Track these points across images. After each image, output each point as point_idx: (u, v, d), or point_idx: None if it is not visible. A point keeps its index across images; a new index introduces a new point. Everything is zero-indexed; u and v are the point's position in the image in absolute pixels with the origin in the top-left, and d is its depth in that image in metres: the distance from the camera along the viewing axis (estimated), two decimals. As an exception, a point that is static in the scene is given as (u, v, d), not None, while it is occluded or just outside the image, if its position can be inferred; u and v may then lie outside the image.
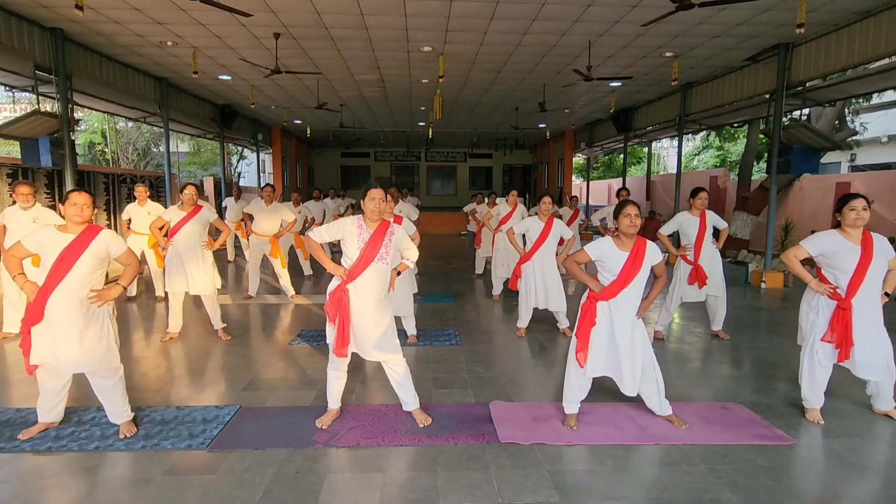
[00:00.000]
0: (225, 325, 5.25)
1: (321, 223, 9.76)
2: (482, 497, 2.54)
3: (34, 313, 2.91)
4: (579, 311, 3.26)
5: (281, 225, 6.81)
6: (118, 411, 3.14)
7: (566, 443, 3.06)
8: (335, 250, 11.39)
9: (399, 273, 3.40)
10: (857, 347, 3.19)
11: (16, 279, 2.97)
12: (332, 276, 3.17)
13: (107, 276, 3.21)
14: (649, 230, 9.86)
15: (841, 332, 3.19)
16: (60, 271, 2.89)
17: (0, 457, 2.88)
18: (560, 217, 8.84)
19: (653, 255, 3.13)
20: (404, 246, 3.31)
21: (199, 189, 5.11)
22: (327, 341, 3.22)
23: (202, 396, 3.76)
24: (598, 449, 3.01)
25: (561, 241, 5.36)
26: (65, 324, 2.91)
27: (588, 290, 3.24)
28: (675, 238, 5.34)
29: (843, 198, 3.23)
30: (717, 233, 5.16)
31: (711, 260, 5.03)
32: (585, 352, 3.16)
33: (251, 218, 6.83)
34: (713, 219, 5.07)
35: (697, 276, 4.95)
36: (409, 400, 3.34)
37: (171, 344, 4.99)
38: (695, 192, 5.02)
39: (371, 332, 3.12)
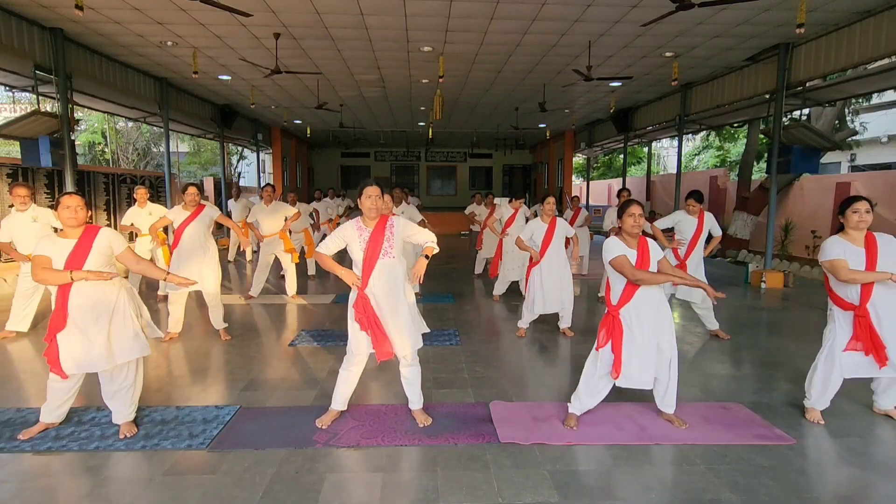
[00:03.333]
0: (226, 325, 5.25)
1: (329, 220, 9.87)
2: (482, 497, 2.54)
3: (58, 320, 2.94)
4: (599, 328, 3.19)
5: (285, 220, 6.84)
6: (124, 412, 3.15)
7: (566, 443, 3.05)
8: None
9: (427, 258, 3.20)
10: (890, 348, 3.11)
11: (72, 275, 2.87)
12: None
13: None
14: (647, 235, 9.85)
15: (867, 338, 3.11)
16: None
17: (0, 457, 2.88)
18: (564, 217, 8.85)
19: (656, 252, 3.14)
20: (412, 233, 3.21)
21: (200, 189, 5.13)
22: (350, 349, 3.20)
23: (202, 396, 3.76)
24: (598, 449, 3.01)
25: (567, 242, 5.35)
26: (90, 324, 2.95)
27: (606, 304, 3.21)
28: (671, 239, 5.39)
29: (846, 200, 3.20)
30: (721, 234, 5.20)
31: (696, 268, 5.09)
32: (619, 366, 3.07)
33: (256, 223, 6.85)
34: (710, 222, 5.10)
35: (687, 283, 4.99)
36: (415, 399, 3.35)
37: (171, 344, 4.99)
38: (687, 198, 5.12)
39: (392, 326, 3.11)
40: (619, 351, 3.06)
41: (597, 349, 3.19)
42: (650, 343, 3.08)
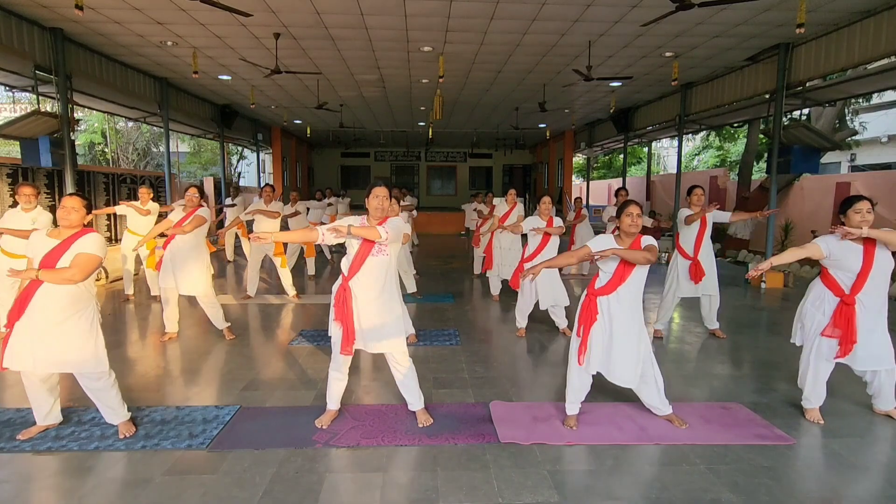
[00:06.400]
0: (229, 324, 5.24)
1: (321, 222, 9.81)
2: (482, 497, 2.54)
3: (15, 311, 2.90)
4: (578, 309, 3.27)
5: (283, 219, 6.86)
6: (112, 412, 3.14)
7: (566, 443, 3.06)
8: (334, 250, 11.38)
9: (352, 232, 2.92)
10: (859, 343, 3.18)
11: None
12: (335, 276, 3.17)
13: (107, 274, 3.21)
14: (648, 230, 9.85)
15: (844, 327, 3.19)
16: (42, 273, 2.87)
17: (0, 457, 2.88)
18: (564, 217, 8.85)
19: (647, 244, 3.16)
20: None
21: (201, 191, 5.14)
22: (331, 341, 3.23)
23: (202, 396, 3.76)
24: (598, 449, 3.01)
25: (572, 241, 5.38)
26: (47, 324, 2.89)
27: (587, 288, 3.27)
28: (672, 242, 5.38)
29: (848, 200, 3.23)
30: (721, 234, 5.18)
31: (707, 258, 5.08)
32: (584, 351, 3.18)
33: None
34: (714, 215, 5.11)
35: (696, 272, 5.00)
36: (413, 401, 3.35)
37: (170, 344, 4.99)
38: (690, 190, 5.13)
39: (374, 323, 3.13)
40: (587, 335, 3.16)
41: (577, 334, 3.26)
42: (624, 337, 3.14)
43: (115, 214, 9.83)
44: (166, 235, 5.07)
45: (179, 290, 4.97)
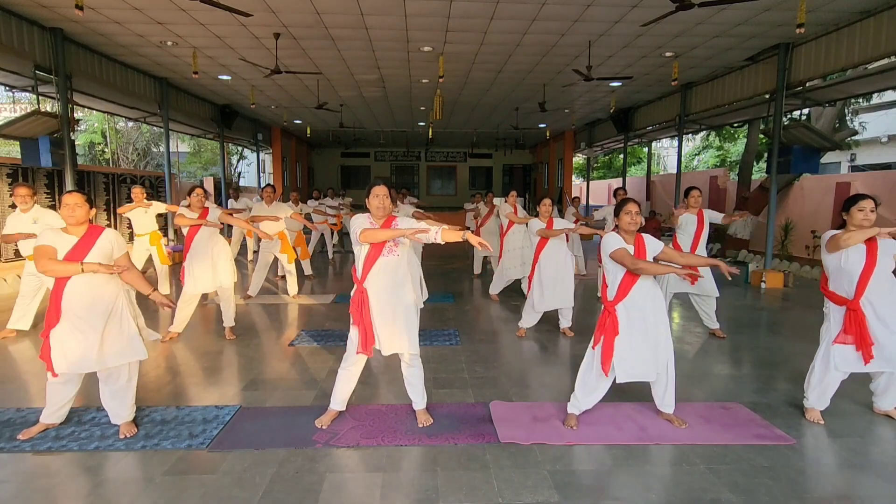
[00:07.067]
0: (233, 324, 5.25)
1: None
2: (482, 497, 2.54)
3: (51, 316, 2.94)
4: (598, 322, 3.22)
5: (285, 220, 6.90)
6: (123, 413, 3.14)
7: (566, 443, 3.05)
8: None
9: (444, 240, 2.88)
10: (881, 344, 3.14)
11: (83, 267, 2.87)
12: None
13: None
14: (649, 229, 9.83)
15: (857, 333, 3.15)
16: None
17: (0, 457, 2.88)
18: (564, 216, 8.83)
19: (653, 245, 3.15)
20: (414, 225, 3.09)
21: (206, 191, 5.16)
22: (348, 341, 3.21)
23: (202, 396, 3.76)
24: (598, 449, 3.01)
25: (567, 238, 5.38)
26: (83, 323, 2.94)
27: (602, 302, 3.22)
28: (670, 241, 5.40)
29: (852, 198, 3.22)
30: (721, 234, 5.22)
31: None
32: (610, 362, 3.10)
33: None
34: (710, 216, 5.16)
35: (692, 273, 5.02)
36: (417, 399, 3.35)
37: (171, 344, 4.98)
38: (687, 192, 5.19)
39: (388, 323, 3.11)
40: (611, 347, 3.08)
41: (592, 347, 3.21)
42: (649, 336, 3.09)
43: (115, 215, 9.84)
44: (165, 237, 5.09)
45: (212, 285, 5.04)
